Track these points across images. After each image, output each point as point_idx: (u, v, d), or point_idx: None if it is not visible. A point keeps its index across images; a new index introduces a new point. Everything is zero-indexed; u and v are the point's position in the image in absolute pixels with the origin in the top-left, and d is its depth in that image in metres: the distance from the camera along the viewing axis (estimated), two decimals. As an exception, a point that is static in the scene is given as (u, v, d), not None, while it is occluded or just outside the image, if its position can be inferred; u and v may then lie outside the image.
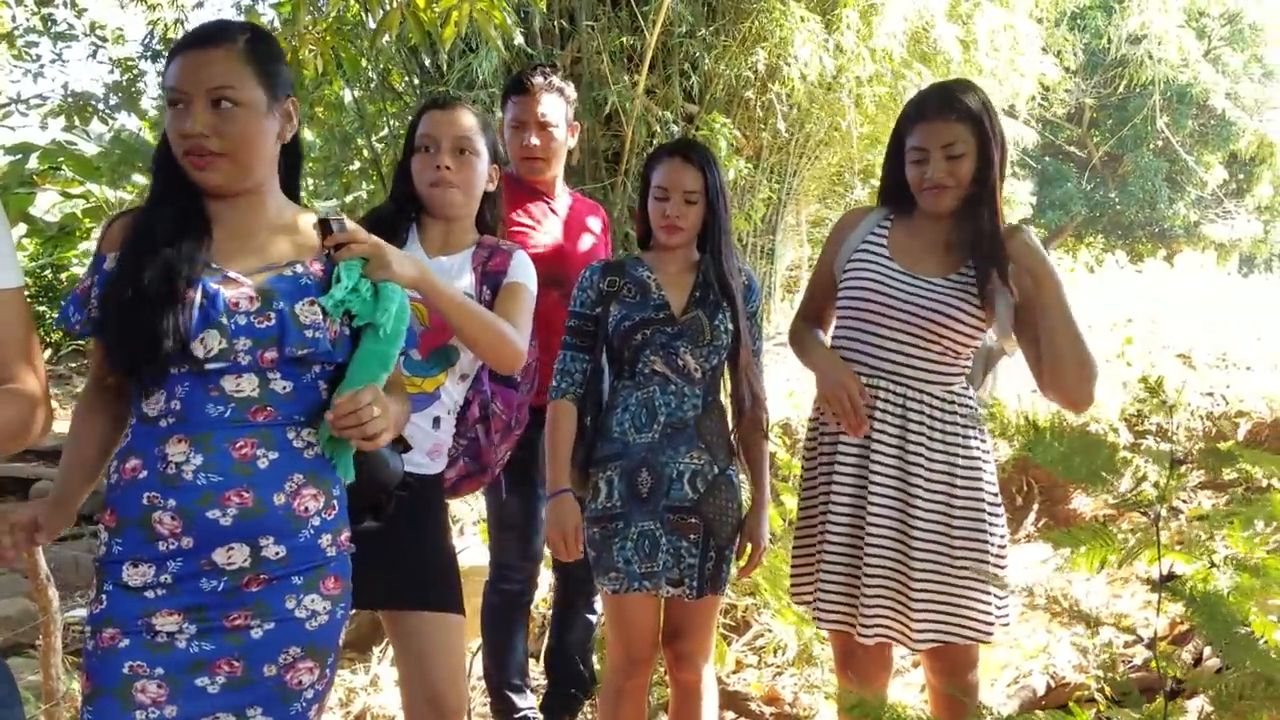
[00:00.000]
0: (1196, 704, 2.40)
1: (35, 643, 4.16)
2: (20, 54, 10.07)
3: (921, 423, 2.30)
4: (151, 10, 9.65)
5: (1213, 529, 2.13)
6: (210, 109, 1.68)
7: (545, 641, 3.38)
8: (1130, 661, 2.98)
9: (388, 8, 3.90)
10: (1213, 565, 1.75)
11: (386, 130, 7.46)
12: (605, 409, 2.58)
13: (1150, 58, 12.57)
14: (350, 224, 1.84)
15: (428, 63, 6.37)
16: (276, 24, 7.26)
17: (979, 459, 2.32)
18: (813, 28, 5.36)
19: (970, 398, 2.37)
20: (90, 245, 12.33)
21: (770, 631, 3.71)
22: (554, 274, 2.89)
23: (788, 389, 5.30)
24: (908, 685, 3.26)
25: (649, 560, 2.48)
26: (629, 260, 2.64)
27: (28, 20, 9.87)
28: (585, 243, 3.12)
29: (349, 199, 7.76)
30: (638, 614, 2.54)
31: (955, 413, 2.32)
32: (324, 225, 1.79)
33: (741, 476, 2.63)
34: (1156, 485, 1.64)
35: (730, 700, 3.25)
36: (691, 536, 2.49)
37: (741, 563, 2.61)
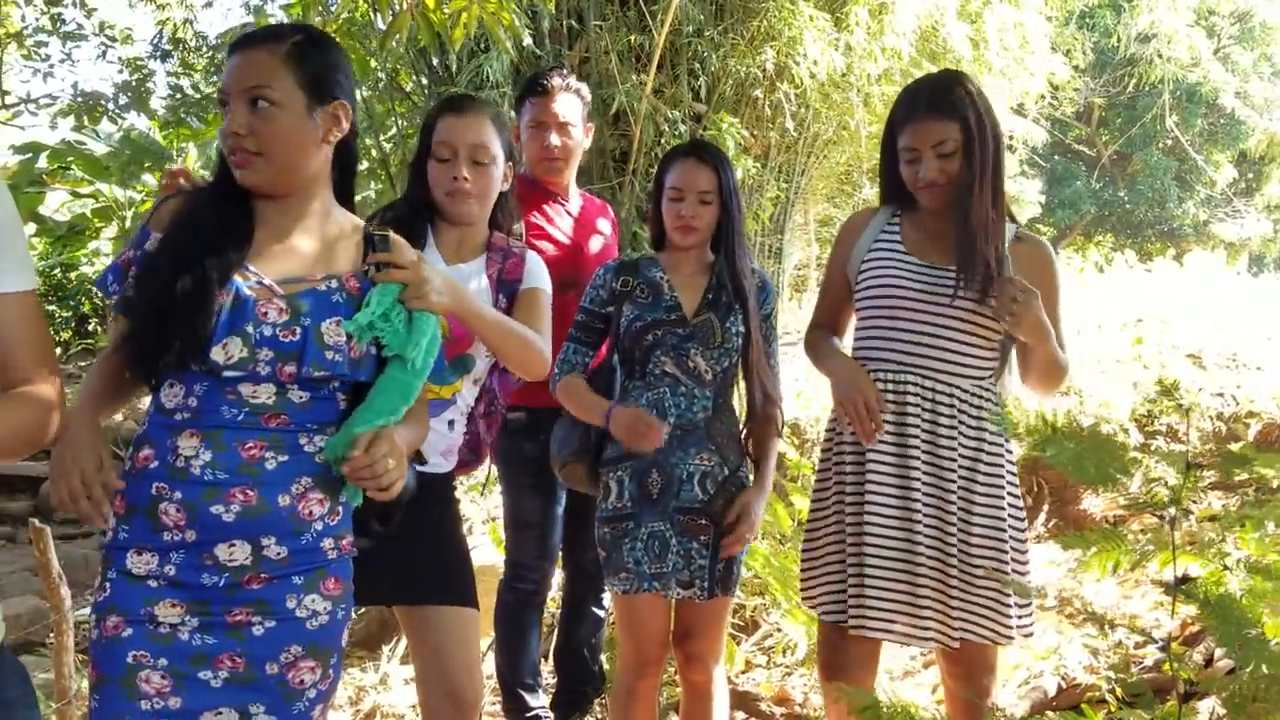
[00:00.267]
0: (1207, 705, 2.39)
1: (45, 641, 4.18)
2: (30, 54, 10.12)
3: (953, 415, 2.28)
4: (160, 10, 9.68)
5: (1224, 531, 2.12)
6: (248, 109, 1.70)
7: (554, 639, 3.38)
8: (1141, 663, 2.97)
9: (397, 9, 3.90)
10: (1226, 568, 1.74)
11: (395, 130, 7.46)
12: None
13: (1160, 56, 12.53)
14: (398, 242, 1.84)
15: (436, 63, 6.38)
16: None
17: (1002, 457, 2.31)
18: (822, 26, 5.35)
19: (997, 396, 2.36)
20: (99, 244, 12.37)
21: (779, 631, 3.71)
22: (569, 275, 2.91)
23: (796, 389, 5.30)
24: (919, 686, 3.25)
25: (659, 561, 2.48)
26: (643, 260, 2.65)
27: (37, 20, 9.91)
28: (596, 244, 3.13)
29: (357, 199, 7.76)
30: (648, 614, 2.54)
31: (982, 408, 2.31)
32: (369, 241, 1.79)
33: (752, 478, 2.62)
34: (1170, 487, 1.63)
35: (740, 700, 3.24)
36: (702, 538, 2.49)
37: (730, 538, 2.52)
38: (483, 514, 4.73)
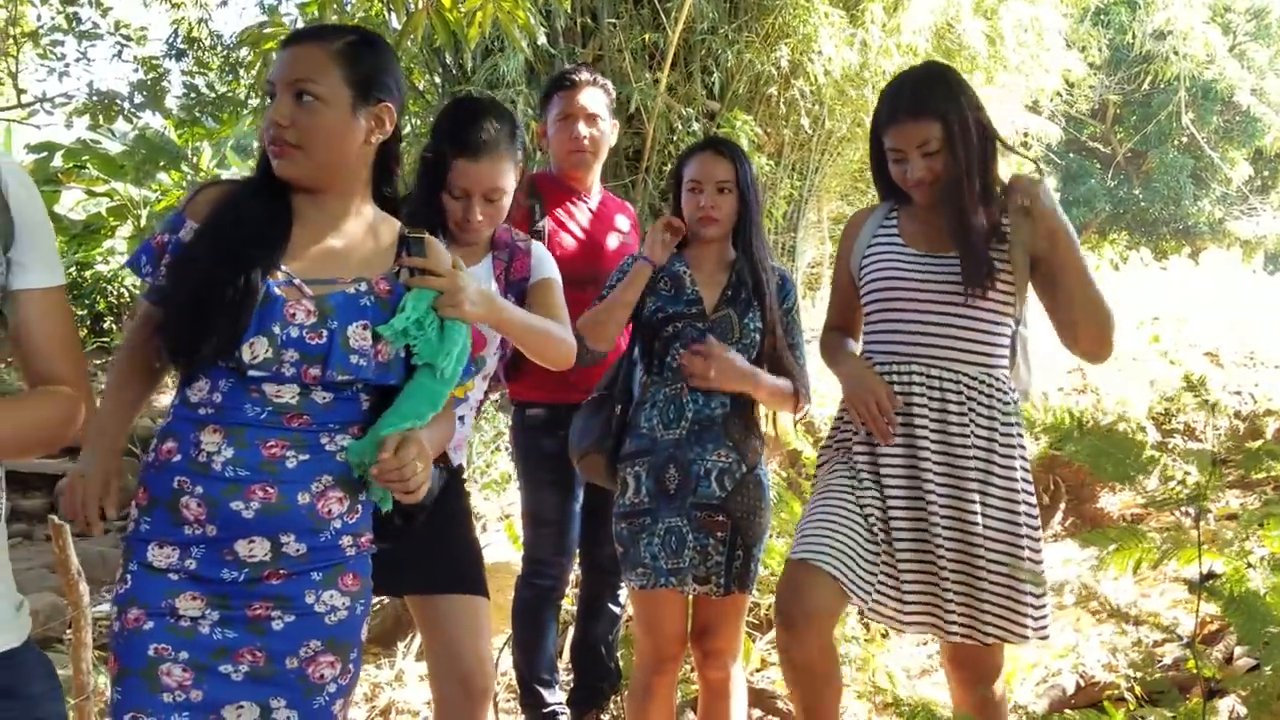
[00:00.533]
0: (1227, 704, 2.38)
1: (63, 637, 4.20)
2: (46, 53, 10.16)
3: (962, 404, 2.25)
4: (175, 9, 9.71)
5: (1245, 529, 2.11)
6: (293, 101, 1.71)
7: (570, 635, 3.38)
8: (1160, 661, 2.95)
9: (412, 8, 3.91)
10: (1249, 565, 1.73)
11: (409, 129, 7.48)
12: (635, 405, 2.61)
13: (1175, 53, 12.47)
14: (434, 245, 1.84)
15: (450, 61, 6.39)
16: (300, 24, 7.28)
17: (1015, 450, 2.27)
18: (837, 22, 5.35)
19: (1012, 388, 2.32)
20: (114, 243, 12.42)
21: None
22: (585, 272, 2.92)
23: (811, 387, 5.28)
24: (936, 685, 3.24)
25: (675, 557, 2.48)
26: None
27: (53, 19, 9.95)
28: (614, 241, 3.14)
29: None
30: (665, 610, 2.54)
31: (994, 398, 2.27)
32: (405, 243, 1.79)
33: (771, 477, 2.63)
34: (1190, 484, 1.63)
35: (757, 698, 3.24)
36: (719, 534, 2.49)
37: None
38: (498, 511, 4.73)
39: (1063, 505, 4.53)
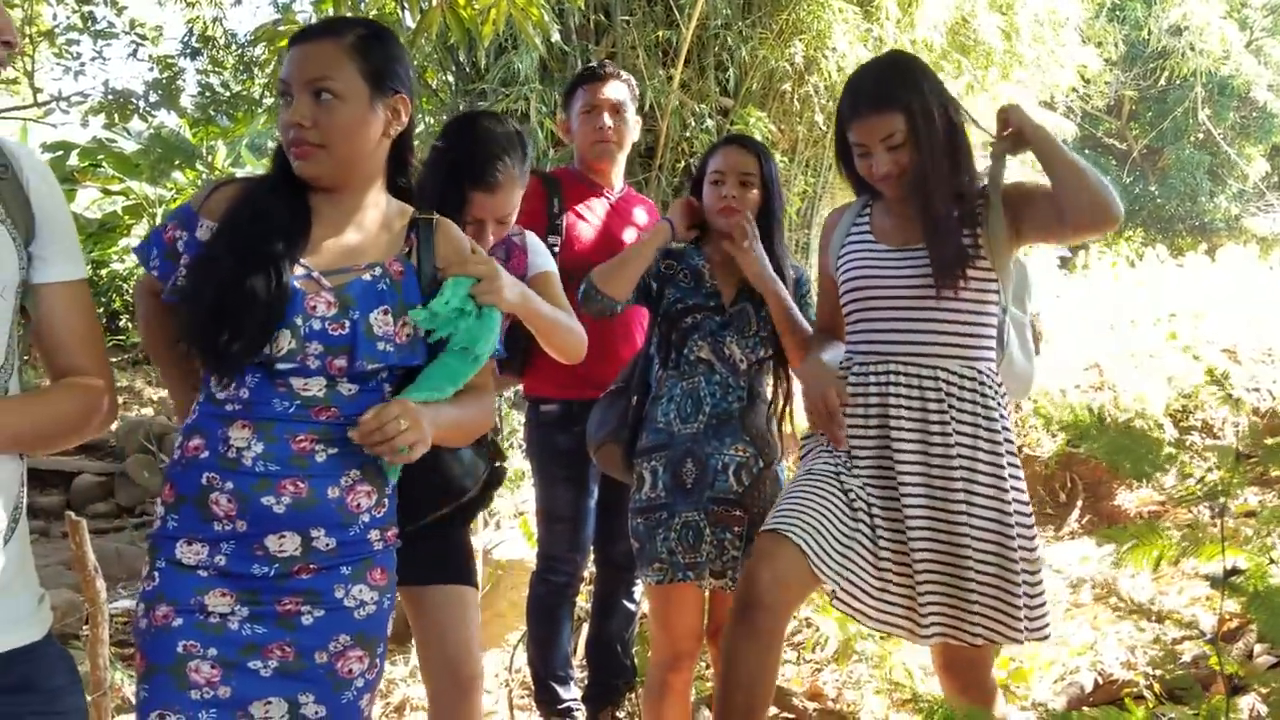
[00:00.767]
0: (1246, 702, 2.36)
1: (79, 633, 4.22)
2: (61, 52, 10.19)
3: (940, 400, 2.18)
4: (190, 8, 9.73)
5: (1265, 525, 2.09)
6: (312, 100, 1.70)
7: (585, 631, 3.38)
8: (1179, 658, 2.94)
9: (426, 6, 3.91)
10: (1271, 561, 1.72)
11: (422, 127, 7.48)
12: (651, 399, 2.61)
13: (1191, 49, 12.40)
14: (448, 226, 1.85)
15: (463, 59, 6.39)
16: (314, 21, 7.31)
17: (1002, 445, 2.20)
18: (851, 18, 5.33)
19: (996, 380, 2.25)
20: (130, 241, 12.46)
21: (809, 626, 3.70)
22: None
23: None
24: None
25: (692, 551, 2.48)
26: (687, 249, 2.68)
27: (69, 18, 9.99)
28: (630, 236, 3.14)
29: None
30: (682, 605, 2.54)
31: (977, 391, 2.20)
32: (415, 225, 1.80)
33: (788, 474, 2.62)
34: (1208, 481, 1.61)
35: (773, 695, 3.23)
36: (735, 529, 2.49)
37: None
38: (512, 508, 4.74)
39: (1080, 503, 4.51)
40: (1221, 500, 1.47)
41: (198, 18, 9.82)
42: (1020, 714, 2.92)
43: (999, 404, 2.22)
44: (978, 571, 2.15)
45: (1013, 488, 2.20)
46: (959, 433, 2.18)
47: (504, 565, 4.24)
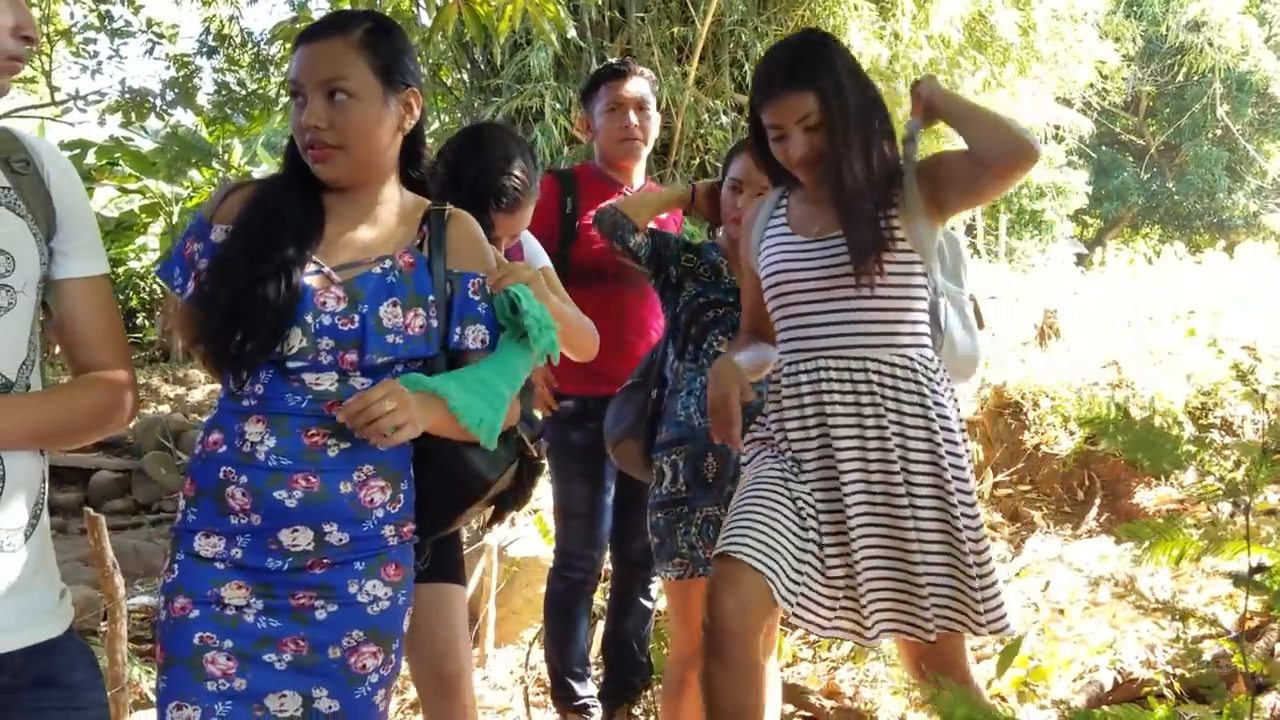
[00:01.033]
0: (1269, 701, 2.35)
1: (96, 629, 4.24)
2: (78, 50, 10.27)
3: (873, 392, 2.10)
4: (206, 6, 9.78)
5: (1287, 523, 2.07)
6: (326, 101, 1.68)
7: (602, 629, 3.38)
8: (1199, 657, 2.92)
9: (441, 3, 3.91)
10: (1295, 559, 1.70)
11: (437, 124, 7.50)
12: (669, 393, 2.60)
13: (1210, 45, 12.33)
14: (467, 221, 1.85)
15: (477, 57, 6.40)
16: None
17: (939, 434, 2.11)
18: (867, 14, 5.32)
19: (933, 364, 2.17)
20: (146, 239, 12.54)
21: (826, 624, 3.68)
22: (617, 268, 2.91)
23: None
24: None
25: (712, 546, 2.46)
26: (705, 245, 2.69)
27: (85, 17, 10.05)
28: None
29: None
30: (702, 602, 2.53)
31: (911, 380, 2.12)
32: (428, 217, 1.80)
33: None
34: (1228, 479, 1.60)
35: (790, 693, 3.22)
36: (755, 525, 2.47)
37: None
38: (527, 505, 4.73)
39: (1098, 501, 4.48)
40: (1245, 498, 1.46)
41: (214, 16, 9.87)
42: (1040, 713, 2.91)
43: (936, 390, 2.13)
44: (927, 564, 2.08)
45: (954, 477, 2.11)
46: (895, 424, 2.10)
47: (519, 562, 4.25)
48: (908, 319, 2.15)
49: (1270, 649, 2.83)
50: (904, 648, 2.23)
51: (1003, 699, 3.03)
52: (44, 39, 9.44)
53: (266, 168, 12.18)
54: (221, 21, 9.86)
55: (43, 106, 10.93)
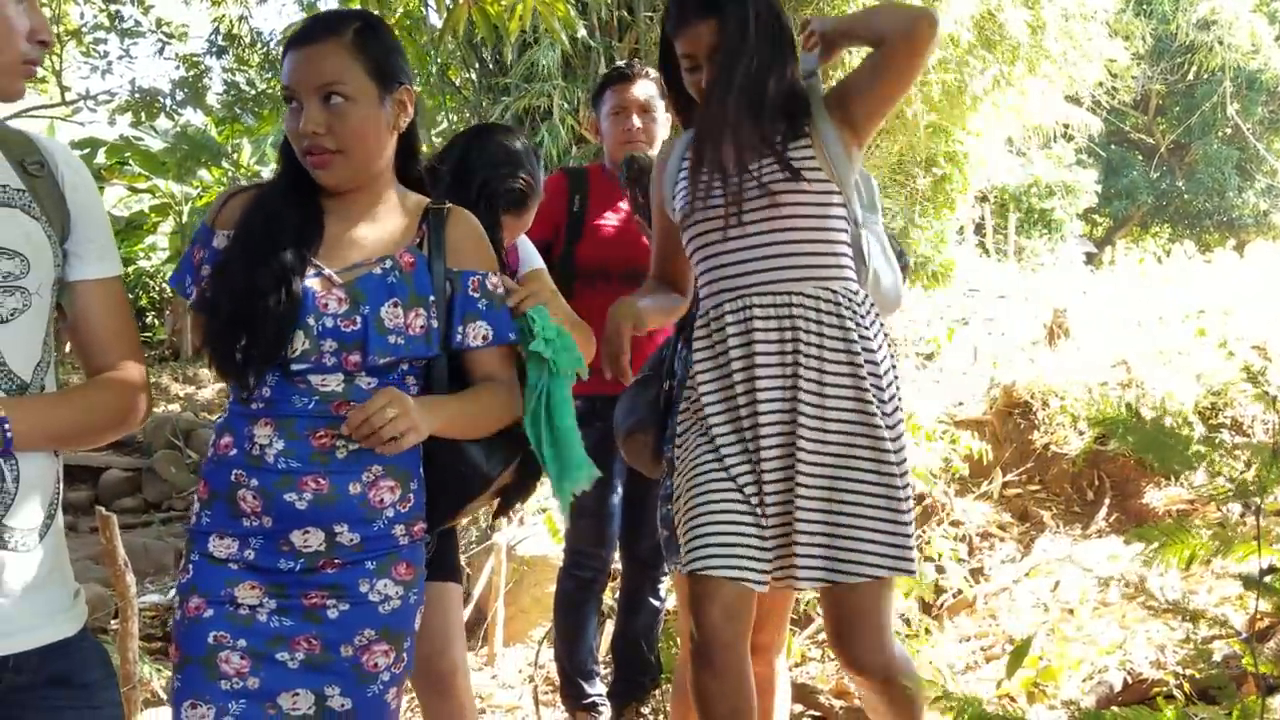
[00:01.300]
0: (1276, 702, 2.34)
1: (107, 628, 4.26)
2: (89, 50, 10.29)
3: (796, 328, 2.04)
4: (216, 6, 9.80)
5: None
6: (322, 105, 1.68)
7: (612, 628, 3.39)
8: (1209, 658, 2.91)
9: (451, 4, 3.93)
10: (1306, 560, 1.70)
11: (446, 124, 7.51)
12: (681, 386, 2.58)
13: (1220, 43, 12.29)
14: (466, 218, 1.85)
15: (486, 56, 6.41)
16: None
17: (864, 370, 2.05)
18: (876, 15, 5.31)
19: (858, 297, 2.12)
20: (156, 239, 12.59)
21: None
22: (625, 268, 2.91)
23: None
24: (980, 681, 3.22)
25: None
26: None
27: (95, 17, 10.07)
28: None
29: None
30: (686, 615, 2.52)
31: (834, 314, 2.06)
32: (428, 215, 1.81)
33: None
34: (1238, 479, 1.60)
35: (799, 693, 3.22)
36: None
37: None
38: (536, 504, 4.74)
39: (1107, 501, 4.47)
40: (1256, 499, 1.46)
41: (223, 16, 9.89)
42: (1049, 713, 2.91)
43: (862, 324, 2.08)
44: (864, 504, 2.02)
45: (882, 412, 2.06)
46: (823, 359, 2.05)
47: (528, 561, 4.25)
48: (829, 252, 2.10)
49: (1279, 650, 2.83)
50: (829, 615, 2.15)
51: (1012, 699, 3.03)
52: (54, 39, 9.47)
53: (276, 168, 12.22)
54: (231, 21, 9.89)
55: (53, 106, 10.96)
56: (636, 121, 3.06)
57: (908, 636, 3.23)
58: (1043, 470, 4.76)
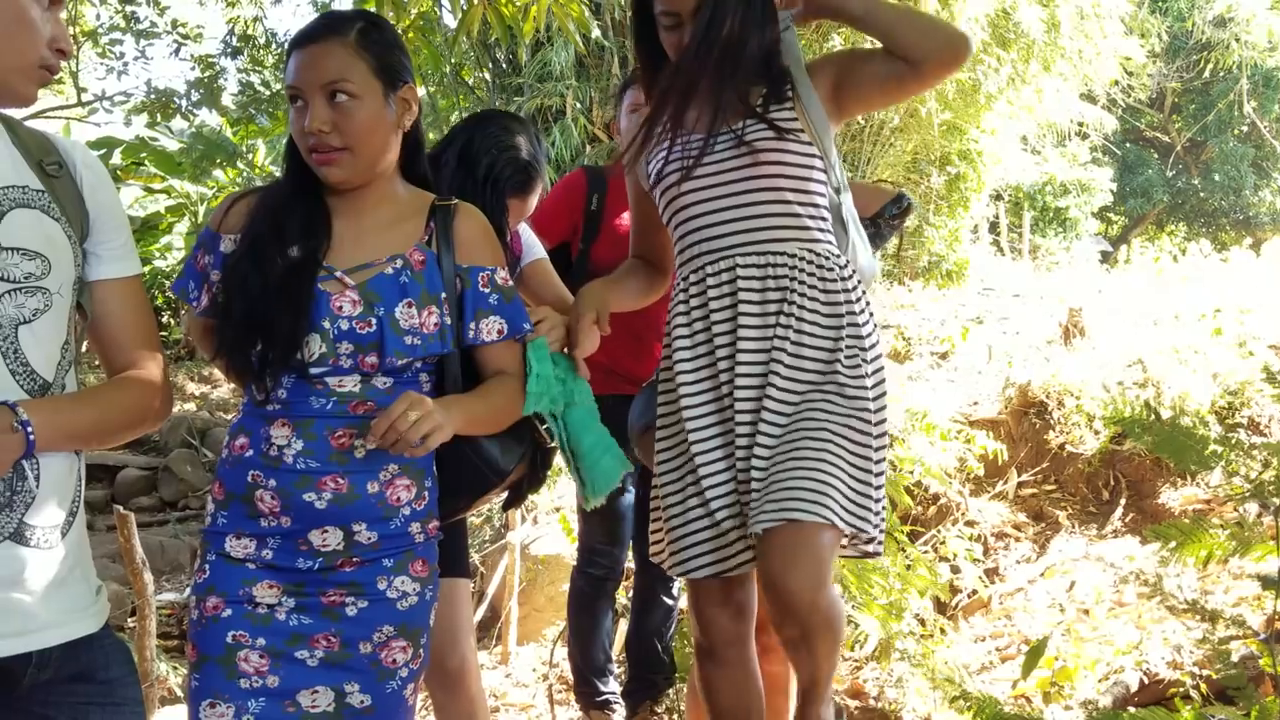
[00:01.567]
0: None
1: (124, 626, 4.28)
2: (104, 51, 10.34)
3: (783, 288, 1.98)
4: (231, 7, 9.84)
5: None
6: (327, 104, 1.69)
7: (625, 626, 3.39)
8: (1227, 659, 2.90)
9: (465, 5, 3.93)
10: (1324, 560, 1.69)
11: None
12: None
13: (1236, 40, 12.23)
14: (472, 214, 1.85)
15: (500, 56, 6.43)
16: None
17: (845, 332, 2.00)
18: (890, 13, 5.30)
19: (841, 260, 2.06)
20: (171, 239, 12.62)
21: (851, 624, 3.68)
22: None
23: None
24: (996, 681, 3.21)
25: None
26: None
27: (111, 18, 10.12)
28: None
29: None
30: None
31: (815, 275, 2.00)
32: (435, 212, 1.81)
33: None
34: (1256, 479, 1.59)
35: (812, 692, 3.22)
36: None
37: None
38: (550, 503, 4.75)
39: (1123, 500, 4.46)
40: (1273, 499, 1.45)
41: (238, 17, 9.93)
42: (1066, 713, 2.90)
43: (847, 285, 2.03)
44: (829, 455, 1.91)
45: (865, 373, 2.00)
46: (803, 319, 1.99)
47: (542, 560, 4.27)
48: (812, 215, 2.04)
49: (1298, 650, 2.81)
50: (768, 541, 1.89)
51: (1028, 699, 3.02)
52: (73, 49, 9.53)
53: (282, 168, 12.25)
54: (245, 22, 9.93)
55: (69, 107, 11.02)
56: None
57: (923, 636, 3.22)
58: (1058, 470, 4.75)
